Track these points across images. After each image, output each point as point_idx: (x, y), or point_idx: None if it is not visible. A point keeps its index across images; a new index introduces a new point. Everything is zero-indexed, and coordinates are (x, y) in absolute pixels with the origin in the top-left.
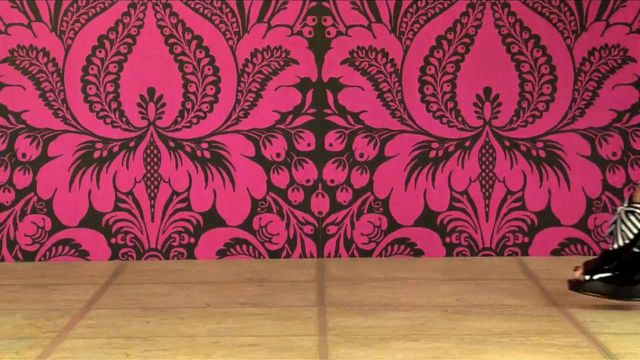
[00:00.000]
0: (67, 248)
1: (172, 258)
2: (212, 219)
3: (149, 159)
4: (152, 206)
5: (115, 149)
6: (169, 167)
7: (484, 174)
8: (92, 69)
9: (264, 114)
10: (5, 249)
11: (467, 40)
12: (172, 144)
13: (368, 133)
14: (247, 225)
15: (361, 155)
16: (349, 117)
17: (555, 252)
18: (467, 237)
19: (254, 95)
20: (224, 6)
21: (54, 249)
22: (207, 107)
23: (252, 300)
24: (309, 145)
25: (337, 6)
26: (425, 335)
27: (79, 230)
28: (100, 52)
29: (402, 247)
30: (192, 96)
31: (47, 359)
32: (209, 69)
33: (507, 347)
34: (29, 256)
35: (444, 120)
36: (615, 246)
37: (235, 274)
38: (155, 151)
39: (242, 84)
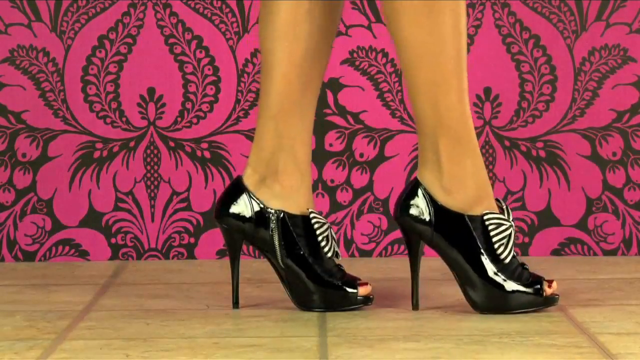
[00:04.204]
0: (67, 248)
1: (172, 258)
2: (212, 219)
3: (149, 159)
4: (152, 206)
5: (115, 149)
6: (169, 167)
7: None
8: (92, 69)
9: None
10: (5, 249)
11: (467, 40)
12: (172, 144)
13: (368, 133)
14: None
15: (361, 155)
16: (349, 117)
17: (555, 252)
18: None
19: (254, 95)
20: (224, 6)
21: (54, 249)
22: (207, 107)
23: (252, 301)
24: None
25: None
26: (425, 336)
27: (79, 230)
28: (100, 52)
29: (402, 247)
30: (192, 96)
31: None
32: (209, 69)
33: (507, 347)
34: (29, 256)
35: None
36: None
37: None
38: (155, 151)
39: (242, 84)
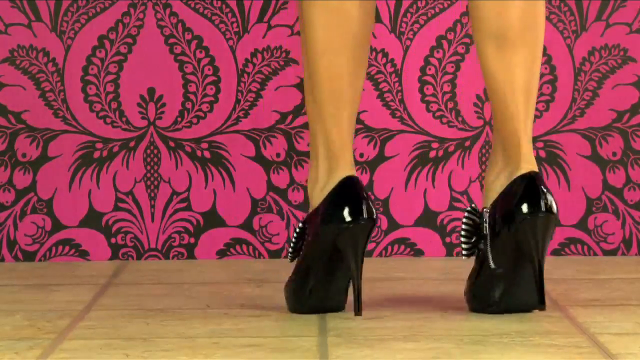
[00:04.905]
0: (67, 248)
1: (172, 258)
2: (212, 219)
3: (149, 159)
4: (152, 206)
5: (115, 149)
6: (169, 167)
7: (484, 174)
8: (92, 69)
9: (264, 114)
10: (5, 249)
11: (467, 40)
12: (172, 144)
13: (368, 133)
14: (247, 225)
15: (361, 155)
16: None
17: (555, 252)
18: None
19: (254, 95)
20: (224, 6)
21: (54, 249)
22: (207, 107)
23: (252, 301)
24: (309, 145)
25: None
26: (426, 336)
27: (79, 230)
28: (100, 52)
29: (402, 247)
30: (192, 96)
31: None
32: (209, 69)
33: (507, 348)
34: (29, 256)
35: (444, 120)
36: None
37: (235, 274)
38: (155, 151)
39: (242, 84)
